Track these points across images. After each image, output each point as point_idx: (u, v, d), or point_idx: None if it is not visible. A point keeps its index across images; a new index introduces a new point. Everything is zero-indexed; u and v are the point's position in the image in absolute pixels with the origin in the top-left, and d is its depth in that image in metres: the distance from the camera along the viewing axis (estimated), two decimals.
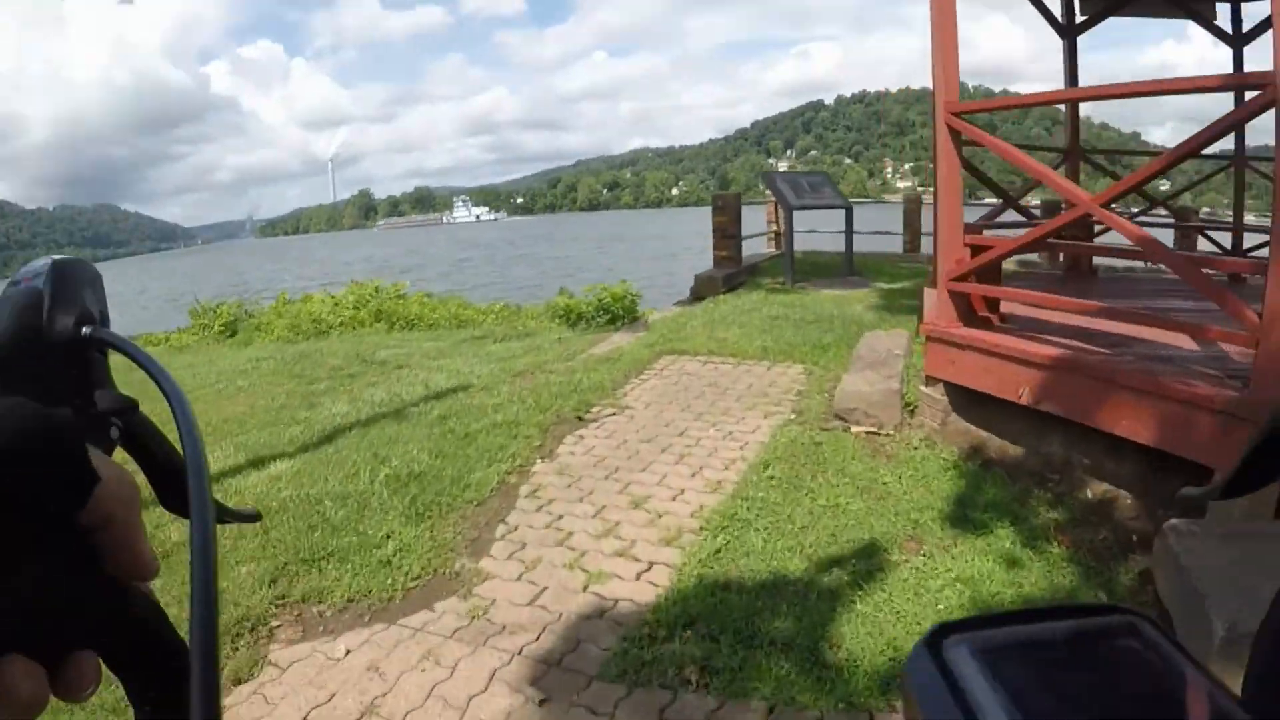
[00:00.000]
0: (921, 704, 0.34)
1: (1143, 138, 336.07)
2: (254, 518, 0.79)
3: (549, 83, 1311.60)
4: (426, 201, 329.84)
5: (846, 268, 11.29)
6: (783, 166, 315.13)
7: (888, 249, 14.49)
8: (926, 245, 11.43)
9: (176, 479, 0.64)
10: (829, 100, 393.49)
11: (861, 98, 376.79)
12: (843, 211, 11.64)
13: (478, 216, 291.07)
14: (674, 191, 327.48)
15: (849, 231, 11.40)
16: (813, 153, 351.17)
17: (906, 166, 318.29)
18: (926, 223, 9.55)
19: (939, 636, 0.36)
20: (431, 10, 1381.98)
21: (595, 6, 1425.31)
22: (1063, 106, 7.60)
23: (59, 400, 0.58)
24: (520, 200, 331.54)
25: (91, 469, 0.36)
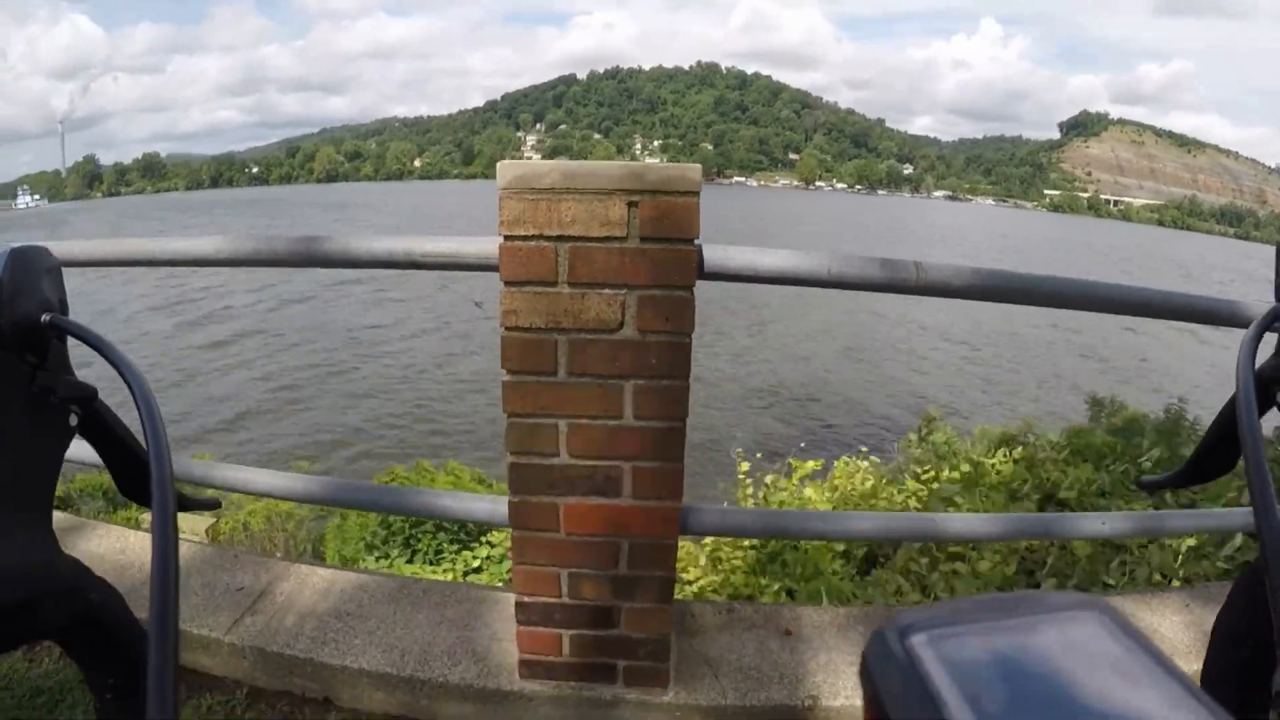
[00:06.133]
0: (883, 693, 0.34)
1: (886, 124, 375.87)
2: (213, 505, 0.89)
3: (332, 39, 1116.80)
4: (155, 170, 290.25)
5: None
6: (531, 140, 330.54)
7: None
8: None
9: (135, 466, 0.66)
10: (581, 75, 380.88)
11: (614, 73, 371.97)
12: None
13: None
14: (416, 164, 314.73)
15: None
16: (562, 127, 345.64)
17: (656, 144, 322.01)
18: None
19: (898, 624, 0.36)
20: None
21: None
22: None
23: (17, 387, 0.59)
24: (256, 170, 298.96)
25: None
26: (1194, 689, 0.33)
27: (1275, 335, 1.17)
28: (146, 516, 5.21)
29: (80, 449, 0.98)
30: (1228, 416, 1.24)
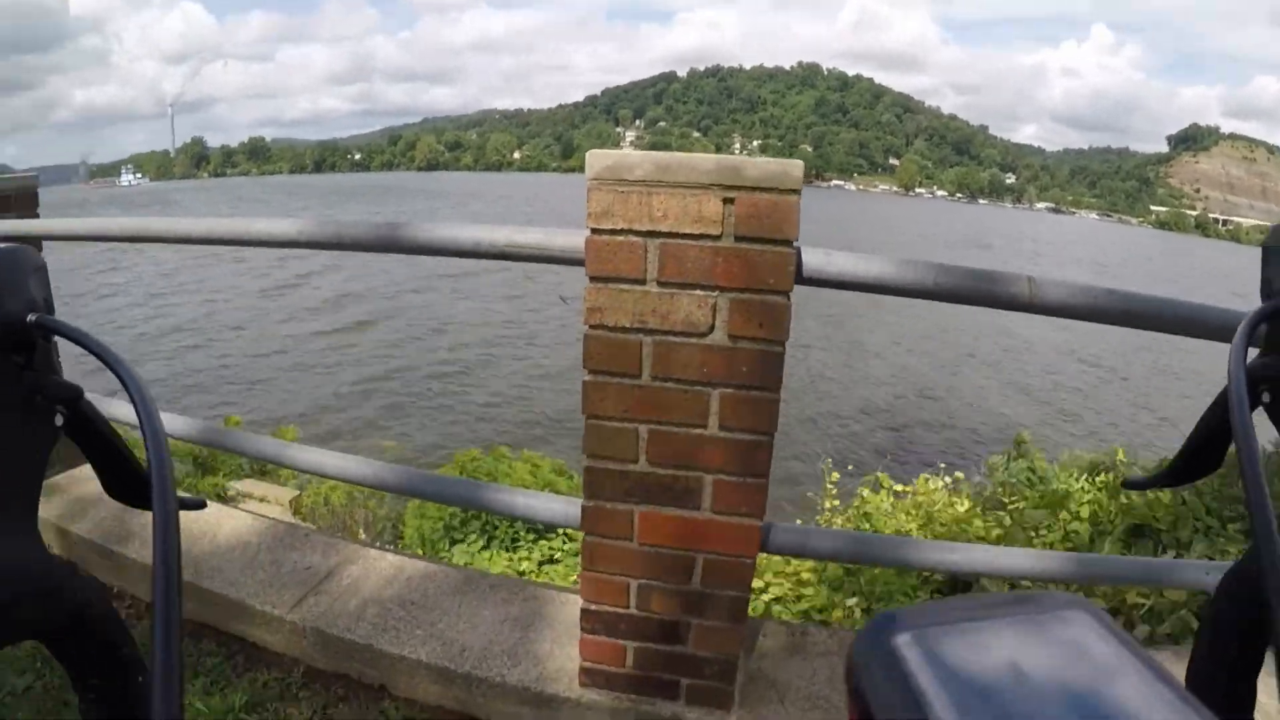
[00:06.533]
0: (867, 691, 0.33)
1: (990, 131, 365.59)
2: (199, 505, 0.84)
3: (438, 31, 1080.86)
4: (260, 153, 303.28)
5: None
6: (630, 136, 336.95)
7: None
8: None
9: (122, 467, 0.66)
10: (682, 73, 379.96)
11: (715, 72, 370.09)
12: None
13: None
14: (515, 156, 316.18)
15: None
16: (661, 124, 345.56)
17: (755, 144, 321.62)
18: None
19: (885, 624, 0.35)
20: None
21: None
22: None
23: (2, 388, 0.61)
24: (358, 156, 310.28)
25: None
26: (1180, 688, 0.33)
27: (1262, 336, 1.17)
28: (230, 486, 5.25)
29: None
30: (1213, 416, 1.25)
